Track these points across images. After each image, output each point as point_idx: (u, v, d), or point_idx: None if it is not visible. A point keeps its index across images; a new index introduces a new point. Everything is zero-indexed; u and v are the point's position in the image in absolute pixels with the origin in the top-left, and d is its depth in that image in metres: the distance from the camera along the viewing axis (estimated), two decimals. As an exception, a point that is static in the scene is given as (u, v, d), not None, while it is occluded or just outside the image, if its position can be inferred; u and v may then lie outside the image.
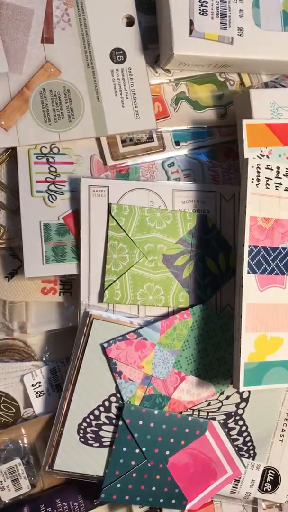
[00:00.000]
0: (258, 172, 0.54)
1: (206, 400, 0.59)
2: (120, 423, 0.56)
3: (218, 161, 0.63)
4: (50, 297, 0.61)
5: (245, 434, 0.60)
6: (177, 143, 0.62)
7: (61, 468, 0.56)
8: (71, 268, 0.58)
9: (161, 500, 0.57)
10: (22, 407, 0.61)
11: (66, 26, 0.58)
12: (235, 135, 0.61)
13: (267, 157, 0.56)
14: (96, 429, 0.56)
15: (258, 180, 0.54)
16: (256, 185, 0.54)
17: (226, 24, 0.58)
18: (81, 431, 0.56)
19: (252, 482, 0.60)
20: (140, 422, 0.56)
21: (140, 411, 0.56)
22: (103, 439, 0.56)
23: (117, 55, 0.59)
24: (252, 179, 0.54)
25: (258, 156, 0.56)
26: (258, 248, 0.54)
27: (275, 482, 0.61)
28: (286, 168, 0.55)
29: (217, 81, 0.65)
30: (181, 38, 0.57)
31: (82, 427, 0.56)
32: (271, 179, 0.55)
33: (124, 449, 0.56)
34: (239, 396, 0.60)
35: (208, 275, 0.59)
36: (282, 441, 0.61)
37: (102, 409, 0.56)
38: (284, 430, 0.61)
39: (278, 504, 0.62)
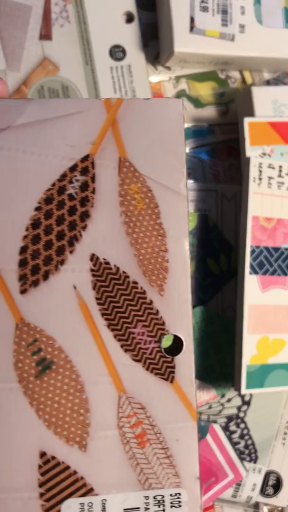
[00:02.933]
0: (260, 171, 0.54)
1: (207, 403, 0.59)
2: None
3: (219, 159, 0.63)
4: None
5: (246, 437, 0.60)
6: (177, 142, 0.62)
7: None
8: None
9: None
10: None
11: (65, 23, 0.58)
12: (237, 133, 0.61)
13: (269, 155, 0.57)
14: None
15: (260, 179, 0.54)
16: (258, 184, 0.54)
17: (227, 21, 0.58)
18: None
19: (253, 486, 0.60)
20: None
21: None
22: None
23: (117, 52, 0.59)
24: (254, 178, 0.54)
25: (260, 155, 0.57)
26: (260, 248, 0.54)
27: (277, 486, 0.61)
28: (289, 167, 0.55)
29: (218, 78, 0.64)
30: (182, 35, 0.57)
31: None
32: (273, 178, 0.55)
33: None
34: (240, 399, 0.60)
35: (209, 276, 0.59)
36: (284, 444, 0.61)
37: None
38: (286, 433, 0.61)
39: (280, 508, 0.62)
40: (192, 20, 0.57)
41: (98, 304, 0.30)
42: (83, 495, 0.30)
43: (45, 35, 0.57)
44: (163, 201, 0.30)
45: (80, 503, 0.30)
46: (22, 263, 0.29)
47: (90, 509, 0.30)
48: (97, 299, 0.30)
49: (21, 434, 0.29)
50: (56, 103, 0.30)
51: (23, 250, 0.29)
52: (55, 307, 0.30)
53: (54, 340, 0.30)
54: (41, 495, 0.29)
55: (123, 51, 0.59)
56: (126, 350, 0.30)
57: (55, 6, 0.57)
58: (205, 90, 0.63)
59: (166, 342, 0.31)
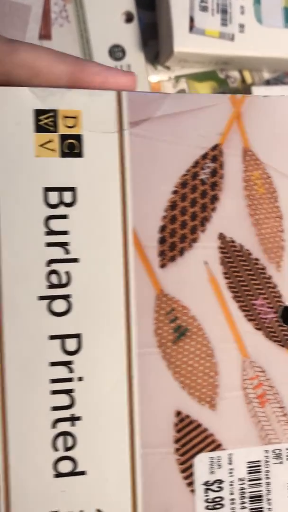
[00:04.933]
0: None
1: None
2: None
3: (217, 159, 0.70)
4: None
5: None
6: (177, 141, 0.68)
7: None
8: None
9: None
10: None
11: (64, 22, 0.63)
12: (236, 133, 0.68)
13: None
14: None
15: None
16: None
17: (226, 20, 0.64)
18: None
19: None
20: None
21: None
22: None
23: (116, 52, 0.64)
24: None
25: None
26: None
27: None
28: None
29: (217, 78, 0.70)
30: (182, 35, 0.63)
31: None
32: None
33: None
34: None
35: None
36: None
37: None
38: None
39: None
40: (191, 19, 0.63)
41: (225, 278, 0.37)
42: (213, 450, 0.37)
43: (45, 35, 0.62)
44: (280, 187, 0.38)
45: (210, 457, 0.37)
46: (162, 241, 0.36)
47: (218, 463, 0.37)
48: (224, 273, 0.37)
49: (160, 395, 0.36)
50: (190, 97, 0.37)
51: (162, 229, 0.36)
52: (189, 280, 0.37)
53: (189, 309, 0.37)
54: (176, 450, 0.37)
55: (123, 51, 0.64)
56: (249, 320, 0.38)
57: (54, 5, 0.63)
58: (204, 89, 0.70)
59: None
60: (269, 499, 0.38)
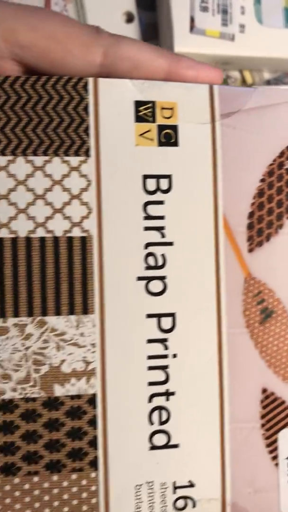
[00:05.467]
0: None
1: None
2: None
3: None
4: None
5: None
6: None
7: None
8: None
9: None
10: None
11: None
12: (237, 133, 0.70)
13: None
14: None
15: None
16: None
17: (227, 21, 0.65)
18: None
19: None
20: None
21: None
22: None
23: None
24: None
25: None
26: None
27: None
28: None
29: None
30: (182, 35, 0.64)
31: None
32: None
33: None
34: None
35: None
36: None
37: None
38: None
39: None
40: (192, 20, 0.64)
41: (308, 263, 0.40)
42: (295, 426, 0.40)
43: (45, 35, 0.63)
44: None
45: (293, 433, 0.39)
46: (250, 226, 0.39)
47: (300, 438, 0.40)
48: (307, 259, 0.40)
49: (247, 373, 0.39)
50: (276, 91, 0.39)
51: (250, 215, 0.39)
52: (275, 264, 0.39)
53: (274, 292, 0.39)
54: (262, 425, 0.39)
55: (123, 51, 0.65)
56: None
57: (55, 5, 0.64)
58: (204, 89, 0.70)
59: None
60: None
